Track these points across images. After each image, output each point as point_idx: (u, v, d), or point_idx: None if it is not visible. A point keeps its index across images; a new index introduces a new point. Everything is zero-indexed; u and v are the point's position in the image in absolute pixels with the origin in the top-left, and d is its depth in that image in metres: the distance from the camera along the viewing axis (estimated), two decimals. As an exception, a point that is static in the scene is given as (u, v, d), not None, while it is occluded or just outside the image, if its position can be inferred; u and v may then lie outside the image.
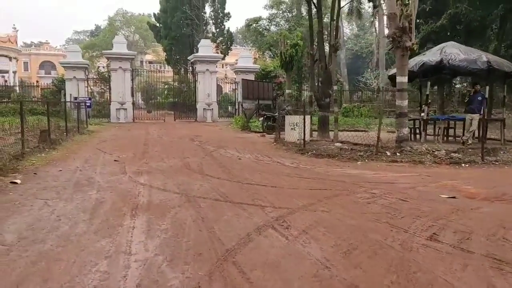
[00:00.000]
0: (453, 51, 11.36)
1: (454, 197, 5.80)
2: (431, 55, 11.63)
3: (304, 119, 11.37)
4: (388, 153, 9.44)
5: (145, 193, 6.01)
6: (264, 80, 25.60)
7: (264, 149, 12.03)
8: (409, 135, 10.36)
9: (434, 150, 9.62)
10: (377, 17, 41.23)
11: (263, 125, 17.24)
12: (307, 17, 33.26)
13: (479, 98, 11.37)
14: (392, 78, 13.08)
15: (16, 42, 43.69)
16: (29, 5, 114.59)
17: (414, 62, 12.25)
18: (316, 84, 15.39)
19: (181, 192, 6.08)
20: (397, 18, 9.66)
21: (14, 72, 42.31)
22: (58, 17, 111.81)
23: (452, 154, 9.10)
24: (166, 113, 28.70)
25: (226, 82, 30.20)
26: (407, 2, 9.60)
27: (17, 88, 32.28)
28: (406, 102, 10.06)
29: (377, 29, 42.06)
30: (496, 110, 14.72)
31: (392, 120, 22.80)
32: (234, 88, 27.55)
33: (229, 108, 31.38)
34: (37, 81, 32.65)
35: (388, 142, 11.60)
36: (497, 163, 8.68)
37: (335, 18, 13.19)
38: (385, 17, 9.80)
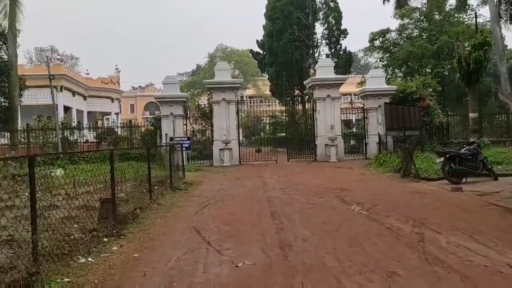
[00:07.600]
0: None
1: None
2: None
3: None
4: None
5: None
6: (406, 104, 19.23)
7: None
8: None
9: None
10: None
11: (445, 169, 10.93)
12: (451, 21, 26.39)
13: None
14: None
15: (119, 83, 42.43)
16: (132, 49, 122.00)
17: None
18: None
19: None
20: None
21: (117, 114, 40.98)
22: (167, 61, 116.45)
23: None
24: (276, 151, 23.47)
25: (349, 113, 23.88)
26: None
27: (118, 130, 29.82)
28: None
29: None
30: None
31: None
32: (364, 116, 21.53)
33: (351, 142, 25.41)
34: (130, 121, 29.84)
35: None
36: None
37: None
38: None
